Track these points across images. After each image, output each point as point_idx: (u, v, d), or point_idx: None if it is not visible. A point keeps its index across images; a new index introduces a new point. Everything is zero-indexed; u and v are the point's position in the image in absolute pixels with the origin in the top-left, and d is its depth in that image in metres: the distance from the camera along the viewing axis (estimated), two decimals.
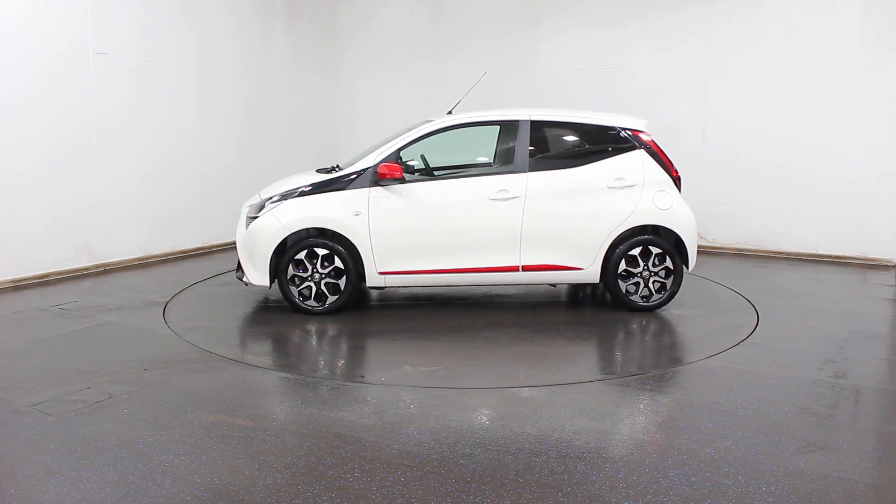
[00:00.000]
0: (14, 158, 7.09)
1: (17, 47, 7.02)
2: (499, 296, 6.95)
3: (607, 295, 6.71)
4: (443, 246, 6.16)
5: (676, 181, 6.34)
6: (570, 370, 5.07)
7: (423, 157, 7.06)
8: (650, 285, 6.28)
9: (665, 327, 6.04)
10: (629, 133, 6.34)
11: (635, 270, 6.25)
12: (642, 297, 6.31)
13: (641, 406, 4.46)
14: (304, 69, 10.90)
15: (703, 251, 9.14)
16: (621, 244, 6.22)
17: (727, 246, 9.33)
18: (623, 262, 6.22)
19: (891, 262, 8.41)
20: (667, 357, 5.37)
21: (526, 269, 6.20)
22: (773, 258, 8.92)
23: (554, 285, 6.90)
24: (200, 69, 9.06)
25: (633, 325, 6.01)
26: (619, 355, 5.50)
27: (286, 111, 10.60)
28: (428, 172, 6.76)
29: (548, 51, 10.08)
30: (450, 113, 6.59)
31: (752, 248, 9.19)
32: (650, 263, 6.24)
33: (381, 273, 6.18)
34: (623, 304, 6.32)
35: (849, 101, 8.47)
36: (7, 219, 7.07)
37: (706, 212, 9.11)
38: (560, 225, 6.18)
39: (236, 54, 9.66)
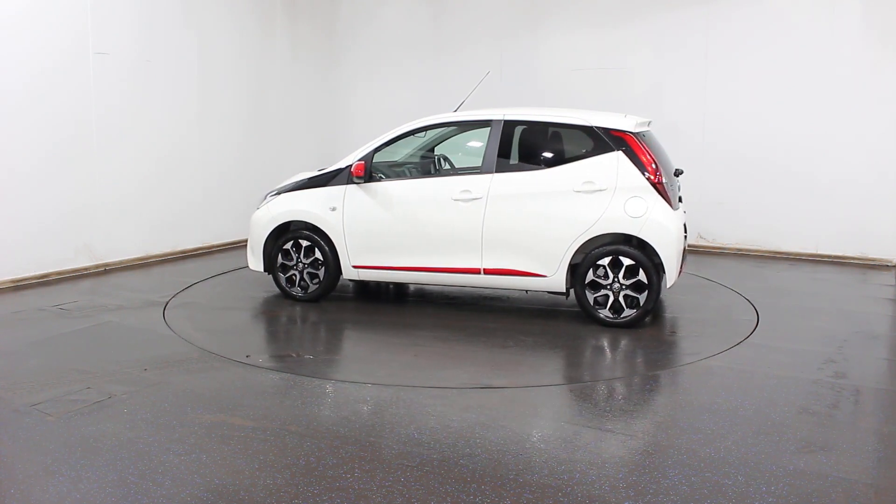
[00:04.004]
0: (14, 158, 7.08)
1: (16, 47, 7.02)
2: (490, 298, 6.91)
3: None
4: (409, 244, 6.25)
5: (657, 186, 5.71)
6: (482, 379, 5.05)
7: (444, 158, 7.16)
8: (620, 299, 5.80)
9: (663, 327, 6.04)
10: (608, 133, 5.84)
11: (604, 282, 5.81)
12: (612, 312, 5.83)
13: (641, 406, 4.47)
14: (304, 69, 10.89)
15: (703, 251, 9.15)
16: (591, 252, 5.80)
17: (727, 246, 9.33)
18: (592, 272, 5.81)
19: (891, 262, 8.41)
20: (666, 357, 5.35)
21: (487, 272, 6.05)
22: (773, 258, 8.92)
23: (527, 291, 6.57)
24: (200, 69, 9.05)
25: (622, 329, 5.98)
26: (596, 359, 5.50)
27: (286, 111, 10.59)
28: (447, 171, 7.05)
29: (548, 51, 10.08)
30: (455, 112, 6.64)
31: (752, 248, 9.19)
32: (620, 276, 5.76)
33: (354, 266, 6.44)
34: (592, 318, 5.92)
35: (849, 101, 8.46)
36: (7, 219, 7.07)
37: (706, 211, 9.11)
38: (521, 229, 5.91)
39: (236, 54, 9.65)
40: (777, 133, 8.88)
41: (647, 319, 6.04)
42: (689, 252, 7.20)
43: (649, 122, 6.47)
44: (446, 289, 7.13)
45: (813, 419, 4.10)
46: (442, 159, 7.23)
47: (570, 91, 9.80)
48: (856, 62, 8.40)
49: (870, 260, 8.52)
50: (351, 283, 7.24)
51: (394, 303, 6.90)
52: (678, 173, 6.37)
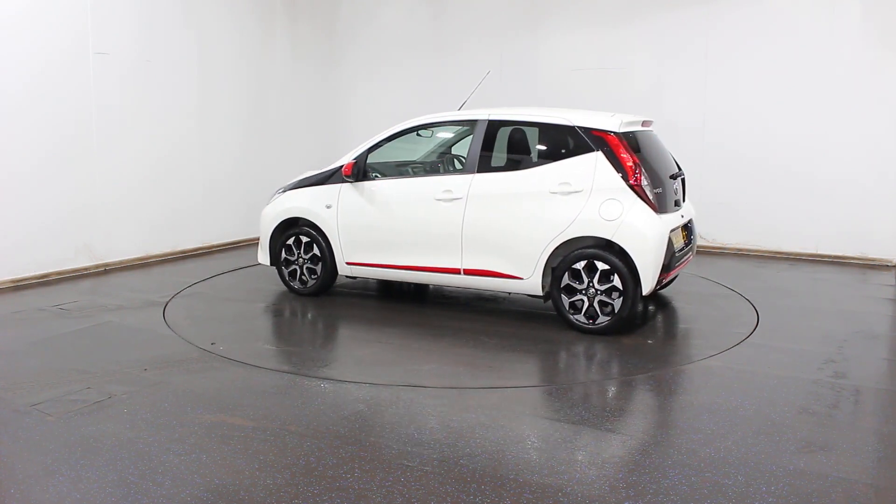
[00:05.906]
0: (14, 158, 7.09)
1: (16, 47, 7.02)
2: (486, 300, 6.91)
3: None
4: (395, 243, 6.33)
5: (635, 189, 5.48)
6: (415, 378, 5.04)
7: (459, 158, 7.18)
8: (595, 305, 5.62)
9: (661, 328, 6.03)
10: (589, 133, 5.66)
11: (579, 287, 5.63)
12: (588, 318, 5.65)
13: (641, 406, 4.47)
14: (304, 69, 10.90)
15: (703, 251, 9.14)
16: (568, 255, 5.64)
17: (727, 246, 9.33)
18: (568, 275, 5.63)
19: (891, 262, 8.41)
20: (666, 357, 5.35)
21: (467, 272, 6.03)
22: (773, 258, 8.92)
23: (509, 294, 6.52)
24: (200, 69, 9.05)
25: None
26: (572, 361, 5.50)
27: (286, 111, 10.60)
28: (439, 171, 7.07)
29: (548, 51, 10.08)
30: (458, 111, 6.68)
31: (752, 248, 9.19)
32: (595, 280, 5.57)
33: (347, 263, 6.61)
34: (567, 323, 5.75)
35: (849, 101, 8.46)
36: (7, 219, 7.07)
37: (706, 211, 9.09)
38: (498, 230, 5.84)
39: (236, 54, 9.65)
40: (777, 133, 8.88)
41: (658, 319, 6.04)
42: None
43: (643, 122, 6.24)
44: (439, 287, 7.13)
45: (813, 419, 4.10)
46: (455, 160, 7.23)
47: (570, 91, 9.80)
48: (856, 62, 8.40)
49: (870, 260, 8.52)
50: (375, 281, 7.33)
51: (391, 301, 6.89)
52: (675, 175, 6.17)
